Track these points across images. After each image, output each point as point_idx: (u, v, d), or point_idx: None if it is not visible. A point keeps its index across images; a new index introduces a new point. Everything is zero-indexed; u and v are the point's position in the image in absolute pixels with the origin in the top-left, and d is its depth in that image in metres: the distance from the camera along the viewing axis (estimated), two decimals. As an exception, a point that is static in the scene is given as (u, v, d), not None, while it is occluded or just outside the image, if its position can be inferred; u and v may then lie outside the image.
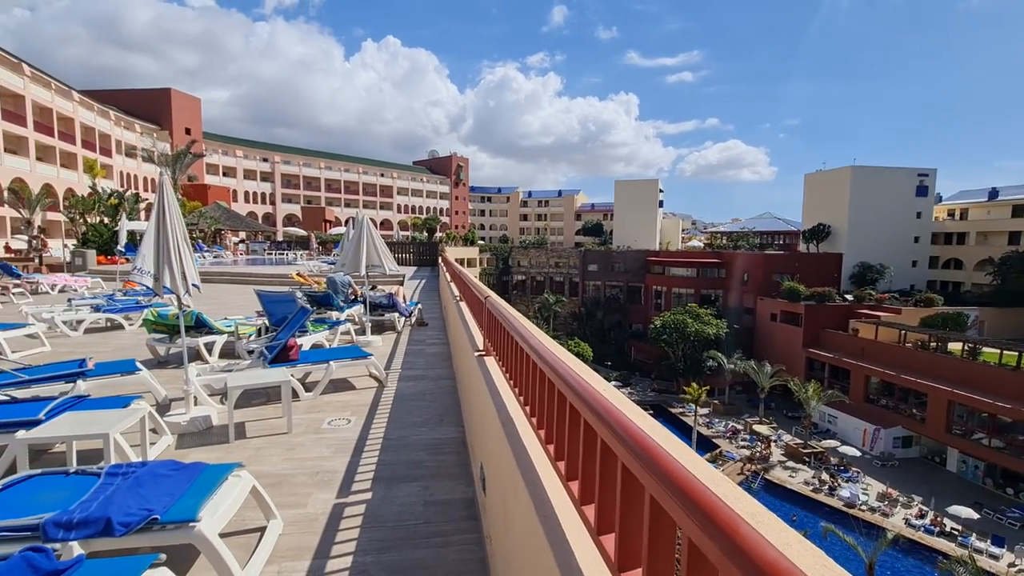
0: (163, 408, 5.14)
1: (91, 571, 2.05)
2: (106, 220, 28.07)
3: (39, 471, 2.95)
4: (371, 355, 6.11)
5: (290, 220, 72.95)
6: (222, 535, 2.56)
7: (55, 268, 21.74)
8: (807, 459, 28.03)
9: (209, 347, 7.25)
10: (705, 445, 31.29)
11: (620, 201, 78.18)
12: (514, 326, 2.48)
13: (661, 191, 78.55)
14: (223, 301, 12.86)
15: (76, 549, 2.32)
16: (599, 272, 56.35)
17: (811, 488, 25.53)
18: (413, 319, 10.21)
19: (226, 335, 7.55)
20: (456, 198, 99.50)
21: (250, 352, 7.04)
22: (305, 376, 6.18)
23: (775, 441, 30.54)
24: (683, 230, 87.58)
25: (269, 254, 32.56)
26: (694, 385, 32.89)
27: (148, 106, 59.68)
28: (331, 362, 5.80)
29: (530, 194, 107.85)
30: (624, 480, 1.08)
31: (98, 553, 2.39)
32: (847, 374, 32.80)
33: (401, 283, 15.62)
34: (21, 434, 3.48)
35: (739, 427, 33.25)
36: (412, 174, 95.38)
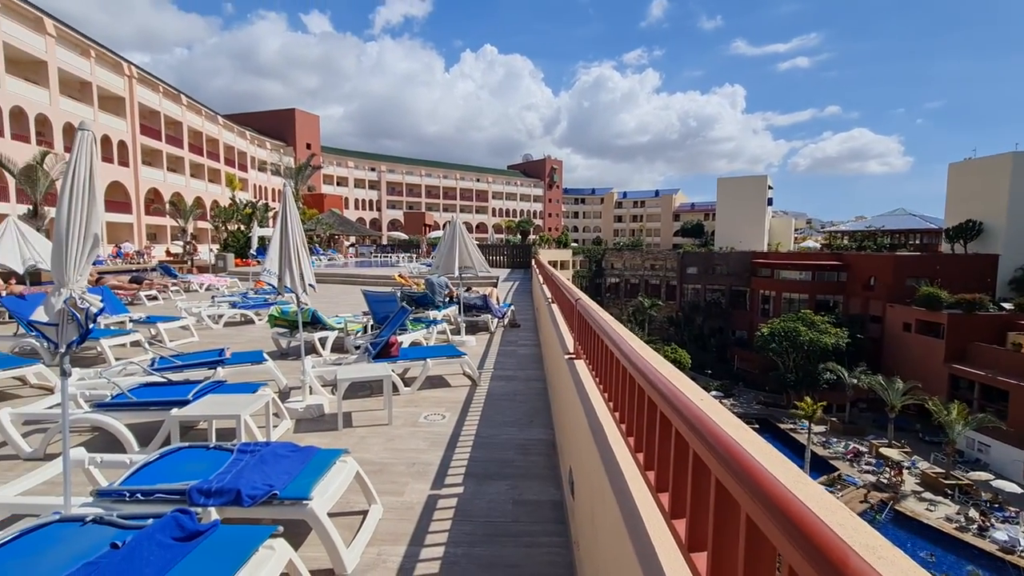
0: (284, 395, 5.72)
1: (223, 535, 2.33)
2: (242, 227, 31.94)
3: (187, 444, 3.42)
4: (465, 354, 6.32)
5: (394, 225, 77.77)
6: (329, 515, 2.79)
7: (203, 269, 25.10)
8: (949, 492, 24.29)
9: (323, 342, 7.95)
10: (820, 467, 28.37)
11: (723, 200, 73.50)
12: (604, 329, 2.43)
13: (770, 188, 72.69)
14: (335, 300, 14.04)
15: (213, 514, 2.67)
16: (699, 275, 53.49)
17: (955, 526, 22.08)
18: (506, 320, 10.40)
19: (337, 331, 8.23)
20: (549, 200, 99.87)
21: (357, 348, 7.62)
22: (404, 372, 6.55)
23: (908, 468, 26.86)
24: (796, 230, 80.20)
25: (375, 257, 35.02)
26: (808, 399, 29.96)
27: (276, 125, 67.01)
28: (428, 360, 6.09)
29: (625, 195, 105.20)
30: (718, 496, 1.01)
31: (230, 520, 2.72)
32: (1004, 395, 27.92)
33: (495, 285, 16.00)
34: (174, 411, 4.06)
35: (863, 449, 29.71)
36: (506, 178, 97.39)
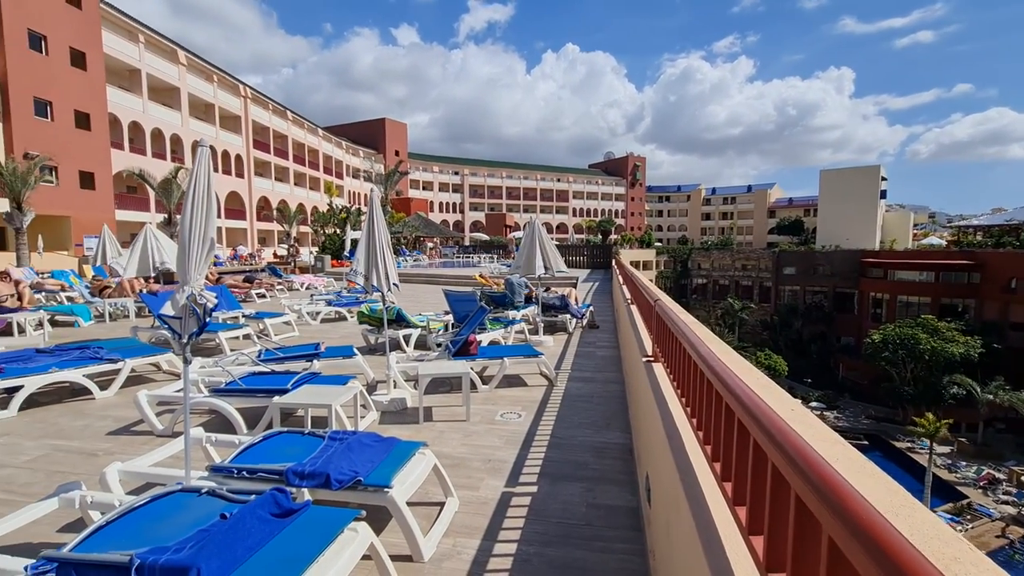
0: (371, 388, 6.07)
1: (313, 514, 2.52)
2: (338, 231, 34.36)
3: (286, 429, 3.73)
4: (543, 354, 6.33)
5: (475, 226, 79.75)
6: (408, 504, 2.92)
7: (304, 270, 27.31)
8: (1116, 533, 20.50)
9: (407, 339, 8.34)
10: (945, 492, 25.09)
11: (827, 194, 67.26)
12: (682, 331, 2.32)
13: (883, 179, 65.40)
14: (420, 299, 14.67)
15: (306, 495, 2.89)
16: (797, 276, 49.47)
17: (1123, 574, 18.59)
18: (585, 321, 10.28)
19: (420, 329, 8.59)
20: (632, 199, 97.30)
21: (438, 345, 7.90)
22: (482, 370, 6.69)
23: (1059, 501, 23.01)
24: (915, 225, 71.53)
25: (458, 257, 36.13)
26: (929, 415, 26.62)
27: (368, 134, 71.33)
28: (505, 358, 6.17)
29: (714, 191, 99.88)
30: (798, 514, 0.92)
31: (320, 501, 2.93)
32: None
33: (574, 285, 15.87)
34: (276, 399, 4.46)
35: (1000, 476, 25.88)
36: (587, 177, 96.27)
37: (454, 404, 5.62)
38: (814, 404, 35.66)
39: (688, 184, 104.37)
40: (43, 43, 25.71)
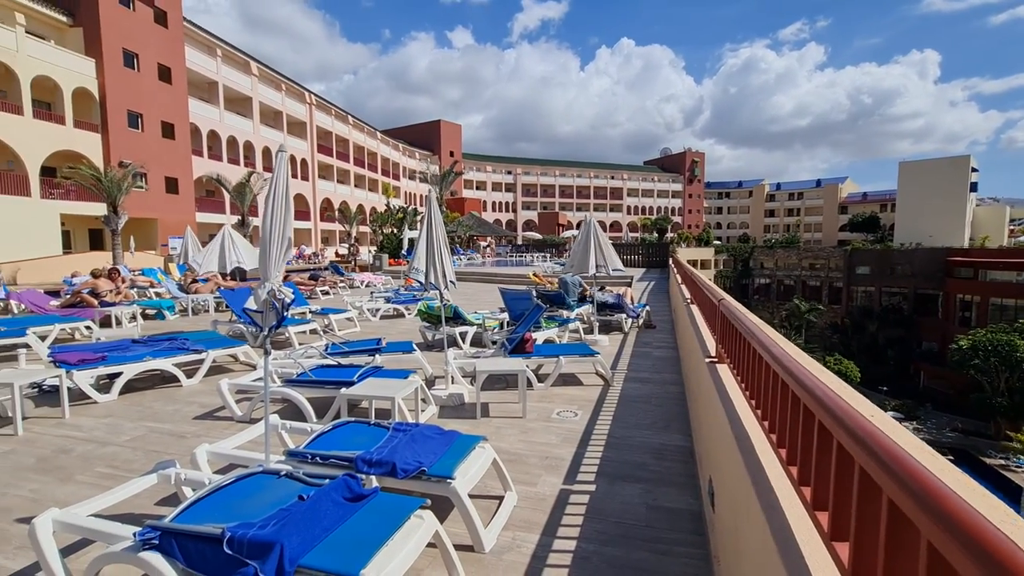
0: (429, 383, 6.24)
1: (382, 500, 2.64)
2: (395, 230, 35.46)
3: (353, 419, 3.91)
4: (599, 354, 6.28)
5: (528, 225, 79.89)
6: (469, 496, 2.99)
7: (363, 268, 28.38)
8: None
9: (463, 336, 8.50)
10: (1044, 515, 22.64)
11: (907, 187, 62.19)
12: (752, 331, 2.25)
13: (974, 171, 59.68)
14: (474, 297, 14.90)
15: (374, 482, 3.03)
16: (872, 276, 46.21)
17: None
18: (640, 321, 10.09)
19: (476, 327, 8.73)
20: (690, 196, 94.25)
21: (494, 343, 8.01)
22: (538, 368, 6.71)
23: None
24: (1013, 221, 64.90)
25: (511, 256, 36.36)
26: (1026, 430, 24.16)
27: (424, 137, 73.04)
28: (561, 357, 6.17)
29: (778, 186, 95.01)
30: (891, 519, 0.89)
31: (385, 489, 3.06)
32: None
33: (629, 284, 15.59)
34: (343, 391, 4.69)
35: (1112, 500, 23.06)
36: (643, 174, 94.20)
37: (510, 401, 5.69)
38: (891, 414, 33.16)
39: (750, 179, 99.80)
40: (135, 60, 28.14)
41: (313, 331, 9.47)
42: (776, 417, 1.77)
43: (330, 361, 6.03)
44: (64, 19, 25.78)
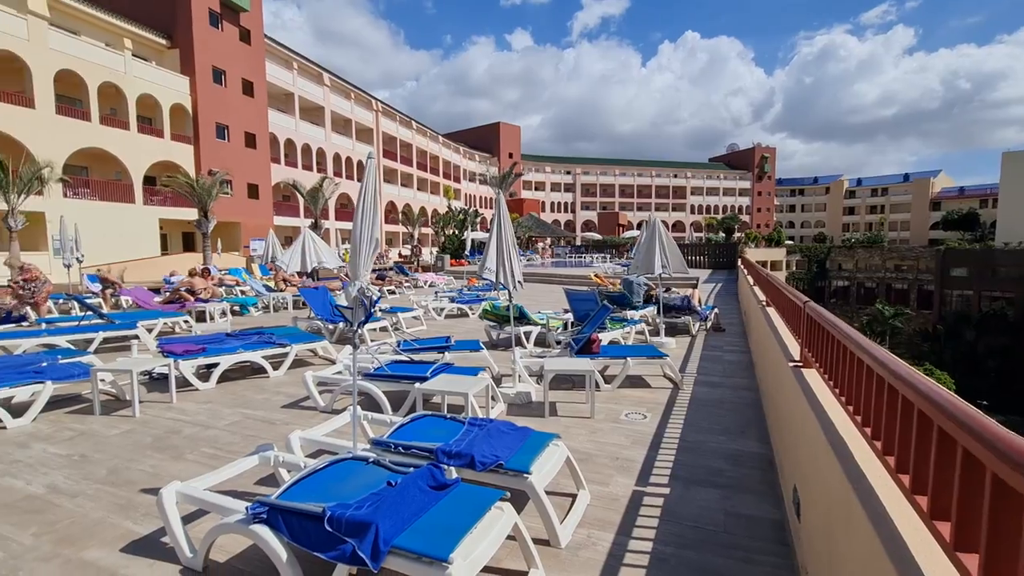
0: (496, 381, 6.37)
1: (464, 491, 2.75)
2: (455, 231, 36.25)
3: (429, 413, 4.08)
4: (668, 356, 6.16)
5: (587, 226, 79.08)
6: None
7: (426, 268, 29.24)
8: None
9: (527, 336, 8.59)
10: None
11: (1012, 180, 55.95)
12: (850, 335, 2.16)
13: (1095, 160, 52.85)
14: (535, 298, 14.98)
15: (453, 473, 3.15)
16: (970, 278, 42.00)
17: None
18: (709, 324, 9.76)
19: (540, 327, 8.80)
20: (759, 193, 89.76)
21: (558, 343, 8.04)
22: (604, 369, 6.68)
23: None
24: None
25: (570, 257, 36.17)
26: None
27: (483, 139, 74.09)
28: (629, 358, 6.11)
29: (859, 181, 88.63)
30: (1037, 529, 0.85)
31: (465, 480, 3.18)
32: None
33: (695, 286, 15.10)
34: (417, 385, 4.90)
35: None
36: (707, 172, 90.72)
37: (577, 401, 5.70)
38: (991, 431, 29.91)
39: (827, 175, 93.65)
40: (223, 77, 30.52)
41: (383, 328, 9.89)
42: (882, 423, 1.69)
43: (403, 357, 6.30)
44: (163, 42, 28.40)
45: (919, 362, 35.93)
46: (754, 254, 33.90)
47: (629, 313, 9.65)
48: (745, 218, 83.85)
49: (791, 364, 3.49)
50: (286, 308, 13.85)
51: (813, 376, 3.03)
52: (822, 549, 2.17)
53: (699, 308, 9.77)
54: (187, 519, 3.16)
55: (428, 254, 38.77)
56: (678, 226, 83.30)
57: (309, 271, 12.33)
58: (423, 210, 49.93)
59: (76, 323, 8.99)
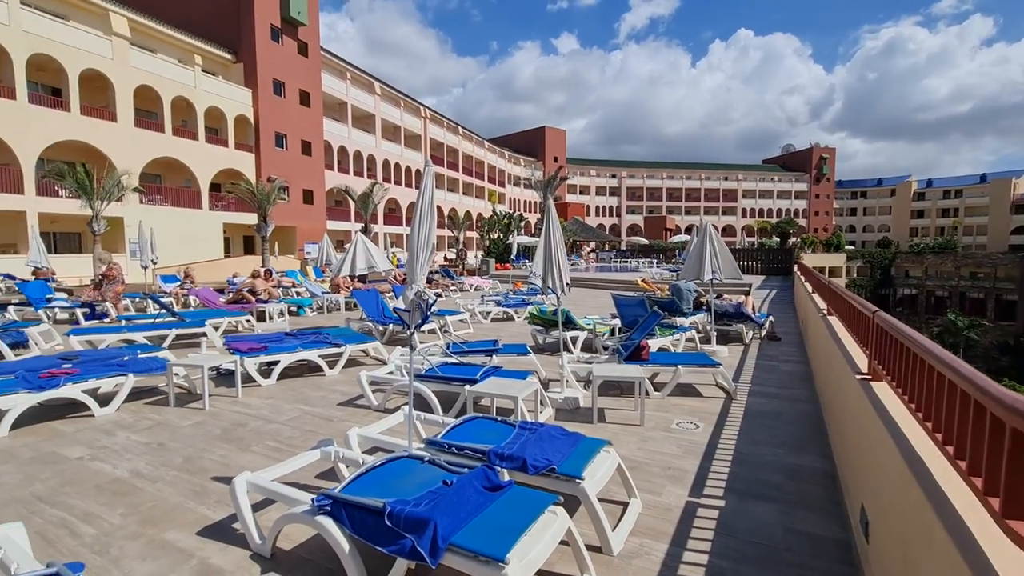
0: (543, 385, 6.38)
1: (517, 493, 2.79)
2: (500, 235, 36.51)
3: (480, 415, 4.15)
4: (720, 364, 5.99)
5: (633, 230, 77.87)
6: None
7: (471, 272, 29.59)
8: None
9: (574, 340, 8.55)
10: None
11: (1107, 180, 51.00)
12: (928, 348, 2.05)
13: None
14: (580, 303, 14.89)
15: (505, 475, 3.20)
16: (1057, 287, 38.45)
17: None
18: (763, 332, 9.41)
19: (586, 332, 8.74)
20: (816, 196, 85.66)
21: (606, 348, 7.97)
22: (653, 376, 6.55)
23: None
24: None
25: (615, 262, 35.70)
26: None
27: (528, 143, 74.34)
28: (680, 366, 5.98)
29: (929, 183, 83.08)
30: None
31: (517, 483, 3.21)
32: None
33: (747, 292, 14.58)
34: (468, 388, 4.98)
35: None
36: (760, 174, 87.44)
37: (626, 408, 5.63)
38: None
39: (892, 176, 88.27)
40: (282, 88, 32.10)
41: (431, 331, 10.10)
42: (967, 442, 1.60)
43: (452, 359, 6.42)
44: (229, 57, 30.19)
45: (998, 377, 33.16)
46: (811, 260, 32.34)
47: (678, 320, 9.44)
48: (801, 222, 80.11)
49: (858, 377, 3.33)
50: (338, 309, 14.37)
51: (884, 390, 2.88)
52: (895, 572, 2.06)
53: (753, 315, 9.43)
54: (255, 507, 3.34)
55: (473, 258, 39.24)
56: (729, 230, 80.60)
57: (360, 275, 12.75)
58: (468, 214, 50.63)
59: (152, 320, 9.68)
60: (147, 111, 25.64)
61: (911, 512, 1.89)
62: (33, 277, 15.02)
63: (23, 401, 4.94)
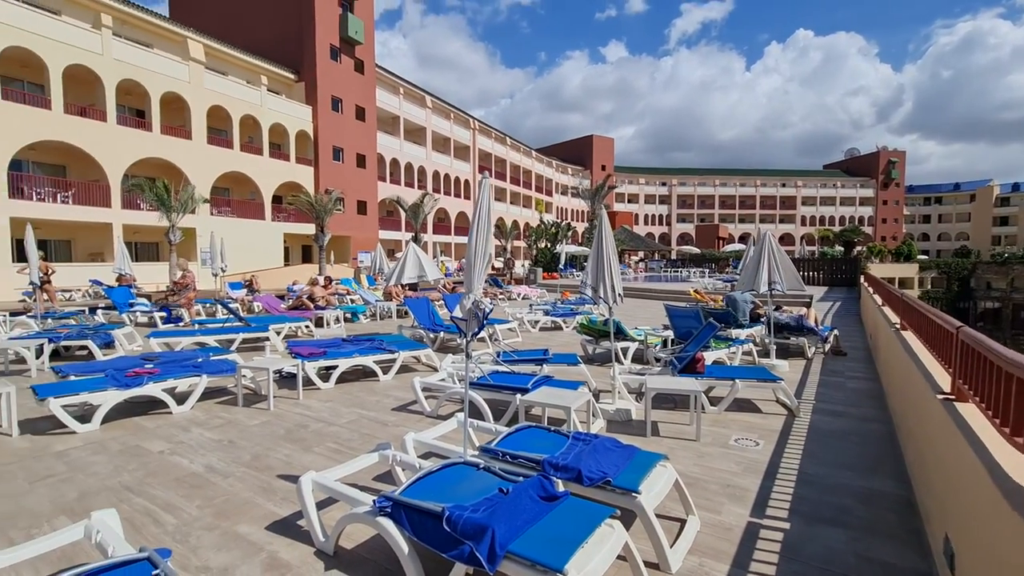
0: (594, 396, 6.31)
1: (573, 504, 2.77)
2: (548, 244, 36.50)
3: (532, 424, 4.16)
4: (782, 380, 5.74)
5: (683, 239, 75.88)
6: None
7: (518, 281, 29.72)
8: None
9: (624, 351, 8.42)
10: None
11: None
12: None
13: None
14: (629, 313, 14.64)
15: (560, 486, 3.19)
16: None
17: None
18: (827, 346, 8.93)
19: (637, 343, 8.59)
20: (884, 202, 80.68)
21: (658, 360, 7.80)
22: (708, 390, 6.35)
23: None
24: None
25: (665, 272, 34.89)
26: None
27: (576, 152, 74.17)
28: (738, 380, 5.77)
29: (1015, 187, 76.61)
30: None
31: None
32: None
33: (809, 304, 13.89)
34: (519, 397, 5.01)
35: None
36: (821, 180, 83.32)
37: (680, 422, 5.48)
38: None
39: (971, 180, 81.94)
40: (340, 105, 33.60)
41: (480, 339, 10.21)
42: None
43: (503, 367, 6.47)
44: (292, 76, 31.94)
45: (1100, 402, 29.86)
46: (879, 270, 30.48)
47: (735, 332, 9.11)
48: (867, 230, 75.54)
49: (940, 397, 3.11)
50: (390, 316, 14.80)
51: (971, 411, 2.68)
52: (989, 610, 1.91)
53: (816, 328, 8.97)
54: (317, 505, 3.48)
55: (520, 267, 39.40)
56: (787, 239, 77.10)
57: (411, 283, 13.07)
58: (515, 223, 50.99)
59: (221, 324, 10.31)
60: (218, 129, 27.48)
61: (1006, 545, 1.74)
62: (117, 283, 16.35)
63: (112, 397, 5.39)
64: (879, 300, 9.62)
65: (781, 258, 8.54)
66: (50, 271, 13.33)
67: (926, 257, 63.36)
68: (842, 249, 46.47)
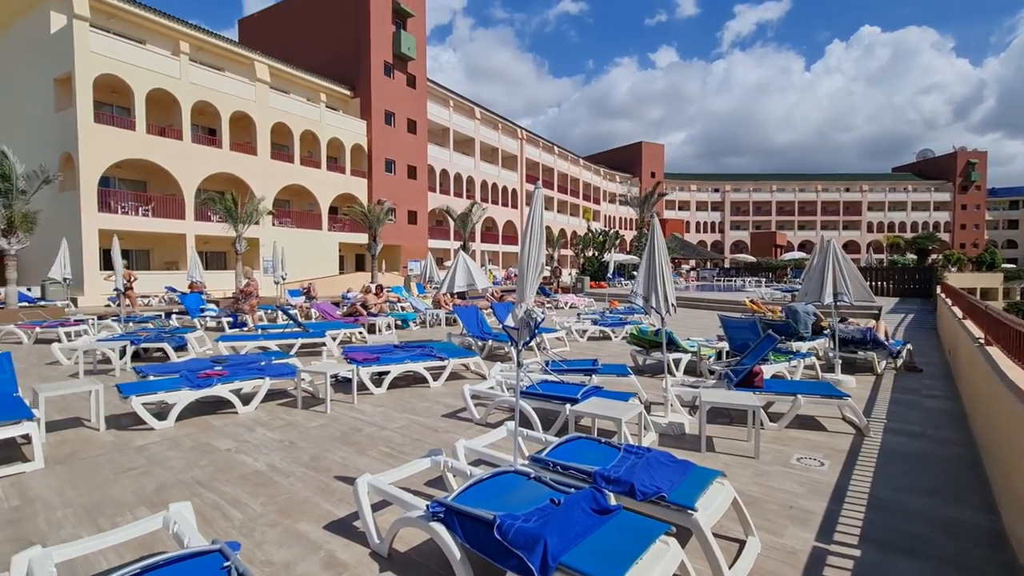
0: (645, 408, 6.16)
1: (626, 518, 2.71)
2: (595, 253, 36.14)
3: (582, 435, 4.11)
4: (849, 396, 5.40)
5: (737, 247, 73.26)
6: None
7: (565, 290, 29.55)
8: None
9: (676, 363, 8.19)
10: None
11: None
12: None
13: None
14: (681, 323, 14.24)
15: (612, 499, 3.13)
16: None
17: None
18: (900, 362, 8.34)
19: (690, 354, 8.33)
20: (963, 207, 74.86)
21: (711, 372, 7.53)
22: (767, 405, 6.07)
23: None
24: None
25: (717, 281, 33.73)
26: None
27: (624, 159, 73.25)
28: (799, 395, 5.48)
29: (1117, 188, 69.10)
30: None
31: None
32: None
33: (877, 316, 13.04)
34: (569, 407, 4.97)
35: None
36: (890, 184, 78.37)
37: (736, 438, 5.26)
38: None
39: (1064, 182, 74.50)
40: (392, 118, 34.78)
41: (529, 348, 10.21)
42: None
43: (552, 377, 6.44)
44: (348, 93, 33.38)
45: None
46: (957, 279, 28.32)
47: (796, 345, 8.67)
48: (943, 236, 70.16)
49: (1035, 419, 2.84)
50: (439, 324, 15.07)
51: (1074, 437, 2.43)
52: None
53: (887, 342, 8.40)
54: (372, 508, 3.58)
55: (568, 275, 39.20)
56: (851, 247, 72.74)
57: (460, 292, 13.27)
58: (563, 232, 50.83)
59: (281, 330, 10.83)
60: (280, 144, 29.07)
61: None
62: (189, 290, 17.53)
63: (186, 397, 5.77)
64: (959, 312, 8.90)
65: (848, 267, 8.07)
66: (133, 278, 14.48)
67: (1013, 266, 58.05)
68: (915, 257, 43.37)
